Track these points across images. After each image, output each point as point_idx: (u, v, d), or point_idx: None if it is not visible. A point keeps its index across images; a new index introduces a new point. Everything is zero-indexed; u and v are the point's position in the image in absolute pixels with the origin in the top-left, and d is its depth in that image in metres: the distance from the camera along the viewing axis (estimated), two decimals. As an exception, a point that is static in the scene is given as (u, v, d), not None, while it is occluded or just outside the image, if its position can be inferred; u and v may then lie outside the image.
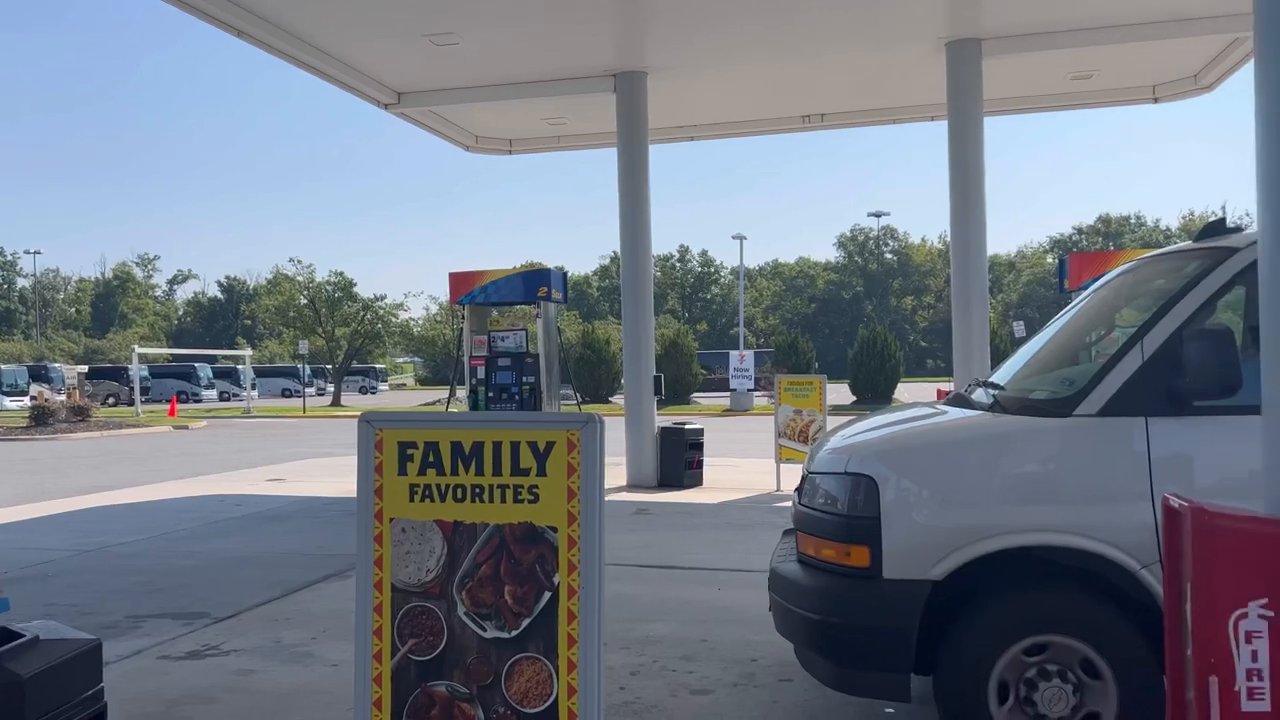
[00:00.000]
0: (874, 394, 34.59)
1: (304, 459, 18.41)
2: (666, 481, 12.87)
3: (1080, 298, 4.89)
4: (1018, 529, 3.62)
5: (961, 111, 12.11)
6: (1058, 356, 4.52)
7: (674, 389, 35.45)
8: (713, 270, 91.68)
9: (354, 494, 2.70)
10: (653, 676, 5.08)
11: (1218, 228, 4.12)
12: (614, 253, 69.84)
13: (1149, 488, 3.47)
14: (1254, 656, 2.38)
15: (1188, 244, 4.27)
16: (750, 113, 15.44)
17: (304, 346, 40.87)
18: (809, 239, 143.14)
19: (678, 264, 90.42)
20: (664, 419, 14.06)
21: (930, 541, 3.67)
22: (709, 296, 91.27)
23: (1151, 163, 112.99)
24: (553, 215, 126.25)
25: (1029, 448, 3.73)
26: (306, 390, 47.89)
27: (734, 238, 47.60)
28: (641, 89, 13.14)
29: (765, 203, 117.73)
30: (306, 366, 49.13)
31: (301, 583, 7.52)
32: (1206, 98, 14.06)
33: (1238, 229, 4.00)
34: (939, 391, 8.66)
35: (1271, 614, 2.38)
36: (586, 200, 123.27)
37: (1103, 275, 4.92)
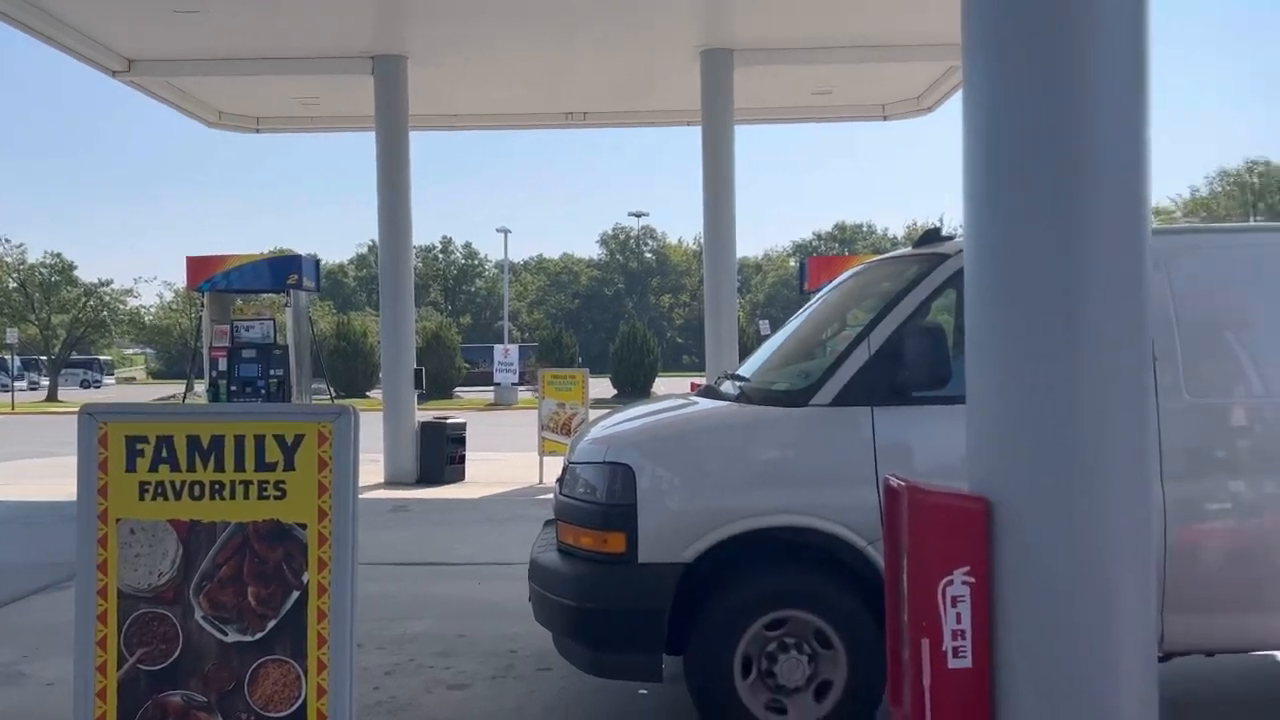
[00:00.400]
0: (634, 387, 35.53)
1: (14, 460, 16.49)
2: (427, 478, 12.62)
3: (817, 298, 5.26)
4: (760, 512, 3.86)
5: (714, 118, 12.70)
6: (797, 351, 4.84)
7: (436, 383, 34.73)
8: (477, 263, 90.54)
9: (75, 497, 2.48)
10: (409, 674, 4.99)
11: (933, 236, 4.57)
12: (372, 241, 67.35)
13: (874, 471, 3.80)
14: (958, 619, 2.67)
15: (908, 250, 4.70)
16: (513, 106, 15.42)
17: (13, 335, 36.74)
18: (573, 236, 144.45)
19: (440, 255, 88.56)
20: (425, 414, 13.79)
21: (682, 525, 3.84)
22: (473, 289, 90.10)
23: (882, 176, 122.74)
24: (306, 200, 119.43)
25: (769, 436, 3.99)
26: (16, 384, 42.87)
27: (498, 231, 47.23)
28: (401, 73, 12.78)
29: (530, 197, 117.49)
30: (16, 358, 44.00)
31: (9, 596, 6.76)
32: (929, 118, 15.58)
33: (950, 237, 4.43)
34: (692, 385, 9.05)
35: (973, 580, 2.68)
36: (343, 185, 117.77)
37: (837, 278, 5.30)
